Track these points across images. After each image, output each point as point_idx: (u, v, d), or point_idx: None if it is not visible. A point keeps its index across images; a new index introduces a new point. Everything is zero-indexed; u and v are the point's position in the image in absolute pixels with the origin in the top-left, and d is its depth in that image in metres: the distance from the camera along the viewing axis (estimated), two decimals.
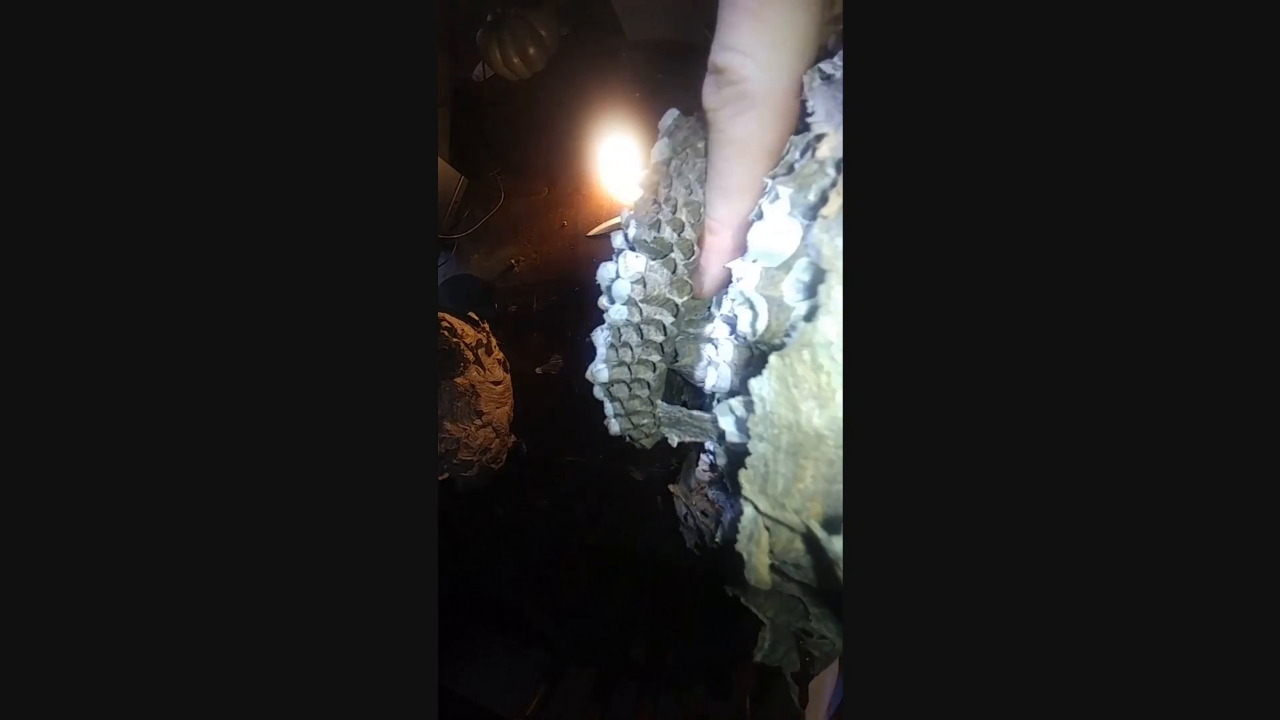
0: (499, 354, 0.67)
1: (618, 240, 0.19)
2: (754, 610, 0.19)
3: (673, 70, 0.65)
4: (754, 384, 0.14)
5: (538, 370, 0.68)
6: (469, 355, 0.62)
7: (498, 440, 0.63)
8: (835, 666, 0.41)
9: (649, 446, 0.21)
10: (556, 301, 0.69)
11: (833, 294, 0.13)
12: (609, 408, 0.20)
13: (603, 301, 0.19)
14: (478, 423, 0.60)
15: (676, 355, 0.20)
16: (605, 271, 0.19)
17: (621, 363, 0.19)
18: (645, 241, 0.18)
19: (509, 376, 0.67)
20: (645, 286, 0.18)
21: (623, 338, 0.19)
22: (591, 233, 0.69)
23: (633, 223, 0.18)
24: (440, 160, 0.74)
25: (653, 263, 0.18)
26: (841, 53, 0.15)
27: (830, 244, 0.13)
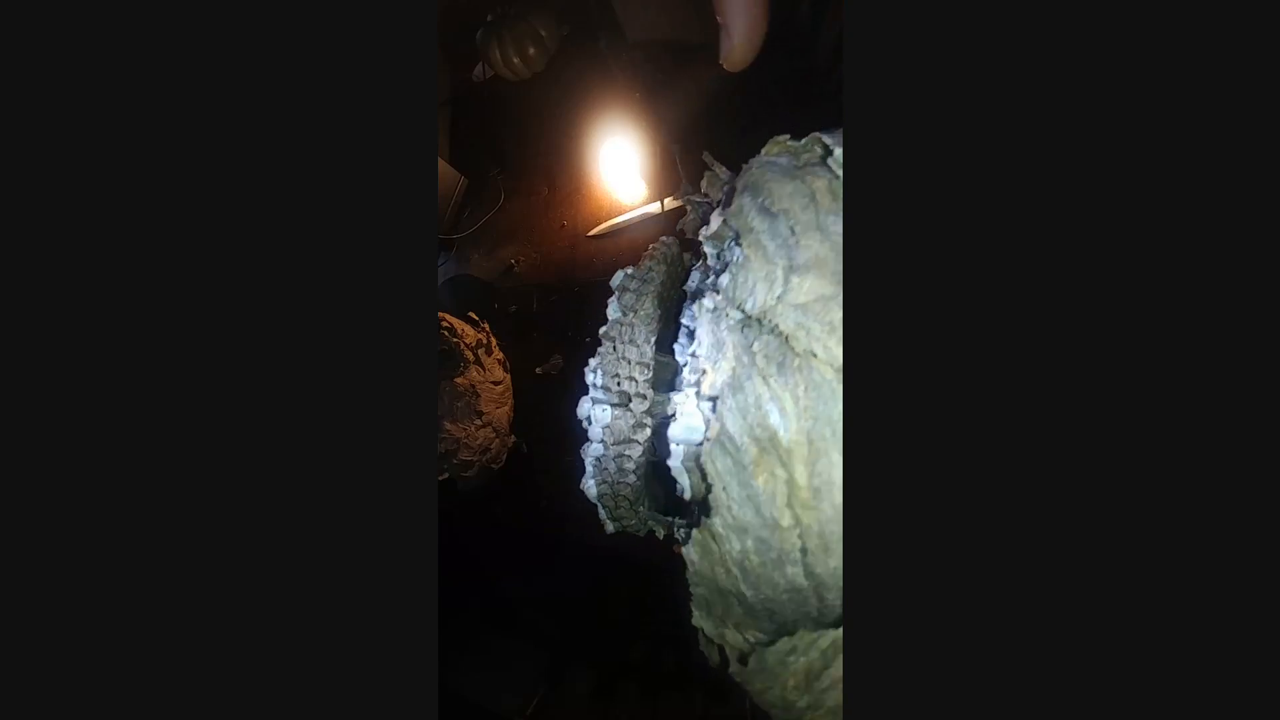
0: (499, 354, 0.67)
1: (590, 377, 0.24)
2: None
3: (673, 70, 0.65)
4: (686, 551, 0.19)
5: (538, 370, 0.68)
6: (469, 355, 0.61)
7: (498, 440, 0.63)
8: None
9: (643, 534, 0.26)
10: (556, 301, 0.69)
11: (721, 472, 0.19)
12: (602, 513, 0.24)
13: (585, 425, 0.24)
14: (478, 423, 0.60)
15: (656, 450, 0.24)
16: (582, 409, 0.24)
17: (605, 482, 0.23)
18: (610, 391, 0.23)
19: (509, 376, 0.66)
20: (613, 433, 0.23)
21: (602, 465, 0.23)
22: (591, 233, 0.69)
23: (599, 371, 0.23)
24: (440, 160, 0.74)
25: (616, 411, 0.22)
26: (718, 280, 0.21)
27: (711, 456, 0.19)
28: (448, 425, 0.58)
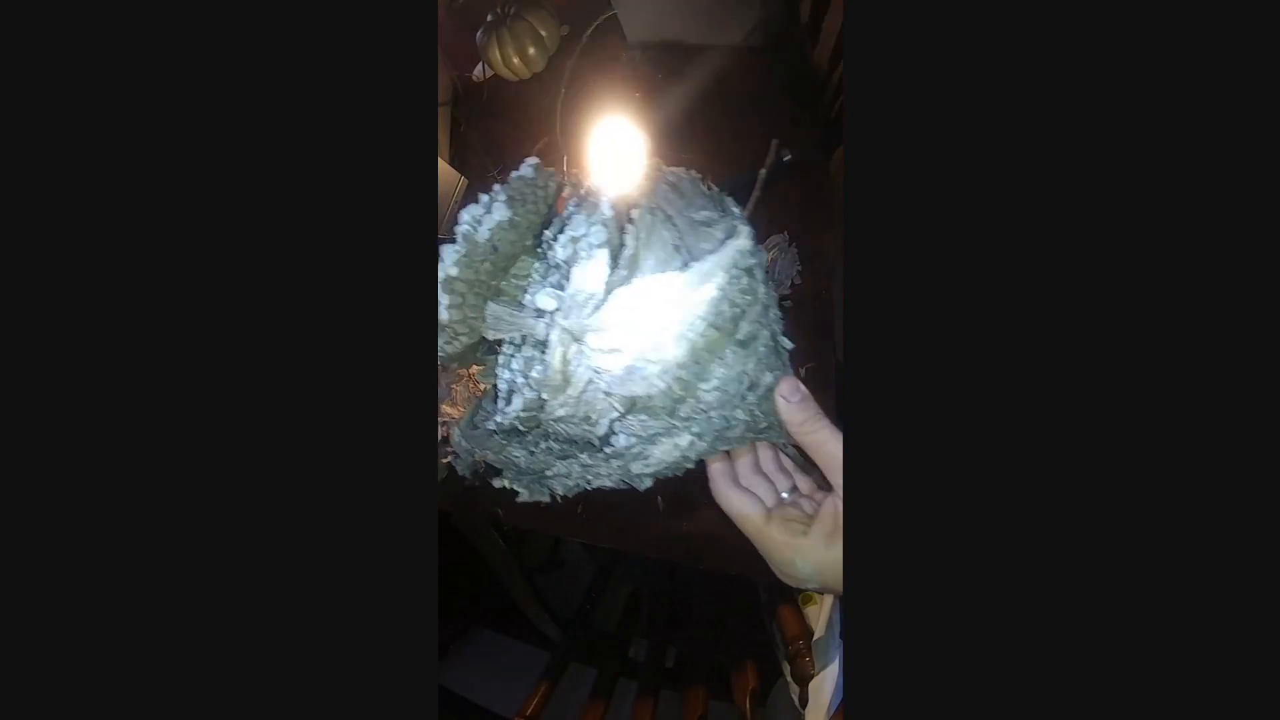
0: None
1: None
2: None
3: (673, 71, 0.65)
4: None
5: None
6: None
7: None
8: (836, 666, 0.41)
9: (451, 353, 0.24)
10: None
11: None
12: (449, 300, 0.22)
13: (465, 228, 0.22)
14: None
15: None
16: (473, 212, 0.23)
17: (471, 264, 0.22)
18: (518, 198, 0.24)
19: None
20: (513, 233, 0.22)
21: (482, 250, 0.22)
22: None
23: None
24: (440, 160, 0.74)
25: (517, 214, 0.23)
26: None
27: None
28: (446, 408, 0.58)
